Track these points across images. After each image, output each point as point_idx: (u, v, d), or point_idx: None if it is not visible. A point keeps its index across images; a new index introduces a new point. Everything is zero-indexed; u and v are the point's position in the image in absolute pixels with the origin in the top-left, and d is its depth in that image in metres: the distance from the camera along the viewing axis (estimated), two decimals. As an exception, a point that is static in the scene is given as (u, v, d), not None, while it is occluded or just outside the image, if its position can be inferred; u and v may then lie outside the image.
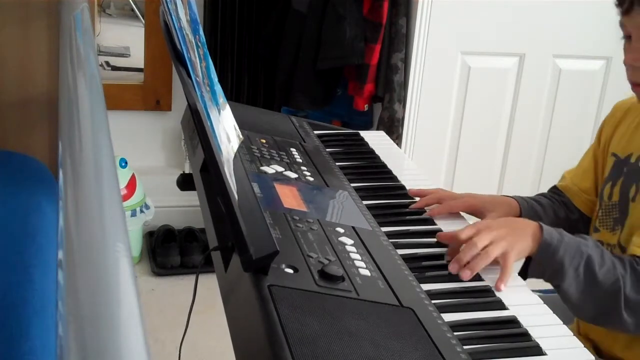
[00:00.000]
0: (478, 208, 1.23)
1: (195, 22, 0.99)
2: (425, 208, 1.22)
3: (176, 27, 0.92)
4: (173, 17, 0.93)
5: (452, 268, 1.01)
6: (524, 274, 1.07)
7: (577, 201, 1.33)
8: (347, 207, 1.14)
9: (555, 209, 1.32)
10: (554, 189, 1.37)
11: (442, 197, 1.22)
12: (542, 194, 1.37)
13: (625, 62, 1.16)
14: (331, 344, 0.73)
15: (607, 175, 1.24)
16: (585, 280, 1.03)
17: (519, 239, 1.04)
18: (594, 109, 2.58)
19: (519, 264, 1.08)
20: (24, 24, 1.43)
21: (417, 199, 1.24)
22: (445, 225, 1.16)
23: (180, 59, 0.94)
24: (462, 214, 1.23)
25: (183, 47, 0.91)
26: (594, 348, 1.22)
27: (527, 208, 1.27)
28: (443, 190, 1.26)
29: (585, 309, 1.06)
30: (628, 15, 1.11)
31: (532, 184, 2.60)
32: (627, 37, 1.14)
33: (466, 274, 0.99)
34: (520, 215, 1.26)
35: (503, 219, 1.15)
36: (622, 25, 1.14)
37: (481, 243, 1.02)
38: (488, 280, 1.00)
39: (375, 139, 1.54)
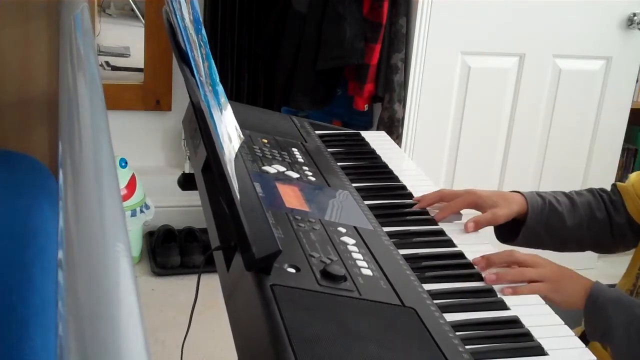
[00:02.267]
0: (478, 204, 1.22)
1: (197, 21, 0.99)
2: (429, 209, 1.21)
3: (180, 26, 0.92)
4: (177, 16, 0.92)
5: (490, 278, 1.00)
6: (583, 338, 1.02)
7: (630, 205, 1.27)
8: (348, 207, 1.13)
9: (595, 208, 1.27)
10: (613, 187, 1.32)
11: (443, 196, 1.22)
12: (592, 190, 1.32)
13: None
14: (333, 344, 0.73)
15: None
16: (638, 344, 0.96)
17: (568, 285, 1.02)
18: (594, 109, 2.58)
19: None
20: (24, 24, 1.43)
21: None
22: (447, 225, 1.16)
23: (184, 58, 0.94)
24: (462, 211, 1.22)
25: (187, 46, 0.91)
26: None
27: (541, 204, 1.24)
28: (444, 190, 1.25)
29: None
30: None
31: (532, 184, 2.60)
32: None
33: (491, 278, 0.99)
34: (526, 212, 1.23)
35: (561, 266, 1.08)
36: None
37: (529, 275, 1.01)
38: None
39: (376, 139, 1.54)
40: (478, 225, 1.17)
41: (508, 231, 1.26)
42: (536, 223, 1.24)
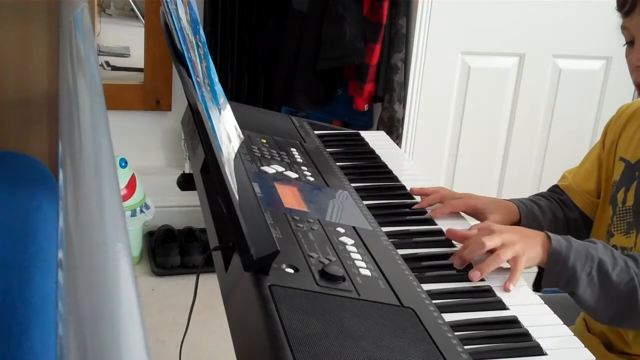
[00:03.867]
0: (479, 209, 1.23)
1: (195, 22, 0.99)
2: (427, 208, 1.22)
3: (176, 27, 0.92)
4: (173, 17, 0.93)
5: (456, 263, 1.01)
6: (537, 286, 1.06)
7: (578, 201, 1.32)
8: (347, 207, 1.14)
9: (554, 210, 1.31)
10: (555, 188, 1.37)
11: (444, 197, 1.22)
12: (541, 194, 1.37)
13: (629, 64, 1.16)
14: (332, 344, 0.73)
15: (619, 180, 1.23)
16: (600, 284, 1.02)
17: (529, 247, 1.03)
18: (594, 109, 2.58)
19: (530, 275, 1.07)
20: (24, 24, 1.43)
21: (418, 198, 1.25)
22: (446, 226, 1.16)
23: (180, 59, 0.94)
24: (463, 214, 1.23)
25: (183, 47, 0.91)
26: (604, 344, 1.22)
27: (526, 212, 1.27)
28: (445, 190, 1.26)
29: (603, 311, 1.05)
30: (629, 17, 1.11)
31: (532, 184, 2.60)
32: (629, 43, 1.14)
33: (476, 275, 0.99)
34: (520, 219, 1.25)
35: (513, 227, 1.13)
36: (624, 29, 1.14)
37: (490, 243, 1.02)
38: (489, 280, 1.00)
39: (376, 139, 1.54)
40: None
41: None
42: None
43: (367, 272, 0.91)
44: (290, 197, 1.07)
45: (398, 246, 1.04)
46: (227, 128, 1.02)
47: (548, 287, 1.06)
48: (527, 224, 1.26)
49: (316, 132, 1.50)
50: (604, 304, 1.03)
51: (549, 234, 1.06)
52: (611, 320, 1.10)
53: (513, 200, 1.29)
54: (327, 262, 0.89)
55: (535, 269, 1.08)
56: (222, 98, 1.04)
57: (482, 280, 1.00)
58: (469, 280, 0.99)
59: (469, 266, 1.02)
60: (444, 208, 1.20)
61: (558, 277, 1.04)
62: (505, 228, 1.07)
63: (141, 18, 3.10)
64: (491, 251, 1.02)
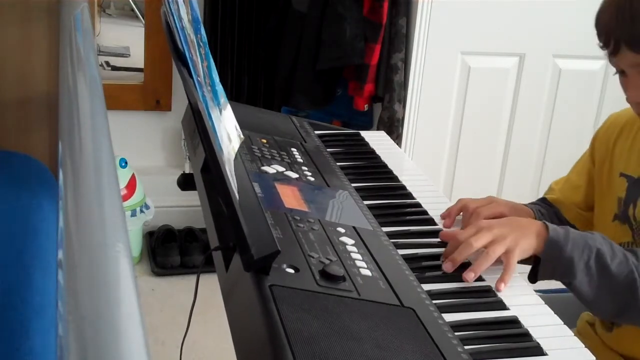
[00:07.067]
0: (505, 216, 1.18)
1: (196, 21, 0.99)
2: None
3: (178, 26, 0.92)
4: (175, 16, 0.93)
5: (446, 267, 0.99)
6: (533, 277, 1.05)
7: (568, 214, 1.30)
8: (347, 207, 1.14)
9: (551, 219, 1.28)
10: (544, 201, 1.34)
11: (465, 205, 1.18)
12: (536, 204, 1.33)
13: (629, 101, 1.14)
14: (332, 344, 0.73)
15: (625, 197, 1.20)
16: (598, 274, 1.00)
17: (523, 237, 1.01)
18: (594, 109, 2.58)
19: (525, 268, 1.06)
20: (24, 24, 1.43)
21: (418, 199, 1.24)
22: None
23: (181, 59, 0.94)
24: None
25: (184, 46, 0.91)
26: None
27: (540, 218, 1.23)
28: (463, 199, 1.21)
29: (602, 304, 1.03)
30: (616, 56, 1.10)
31: (532, 184, 2.60)
32: (621, 72, 1.12)
33: (469, 276, 0.98)
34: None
35: (506, 218, 1.11)
36: (612, 62, 1.13)
37: (478, 243, 1.00)
38: (489, 280, 1.00)
39: (376, 139, 1.54)
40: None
41: None
42: None
43: (367, 272, 0.91)
44: (290, 197, 1.07)
45: (398, 246, 1.04)
46: (227, 128, 1.02)
47: (544, 279, 1.04)
48: None
49: (316, 132, 1.50)
50: (603, 296, 1.01)
51: (546, 223, 1.03)
52: (611, 315, 1.08)
53: (528, 206, 1.27)
54: (327, 262, 0.89)
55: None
56: (222, 98, 1.04)
57: (482, 280, 1.00)
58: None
59: (464, 266, 1.01)
60: (474, 219, 1.15)
61: (555, 267, 1.01)
62: (496, 222, 1.05)
63: (141, 18, 3.10)
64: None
